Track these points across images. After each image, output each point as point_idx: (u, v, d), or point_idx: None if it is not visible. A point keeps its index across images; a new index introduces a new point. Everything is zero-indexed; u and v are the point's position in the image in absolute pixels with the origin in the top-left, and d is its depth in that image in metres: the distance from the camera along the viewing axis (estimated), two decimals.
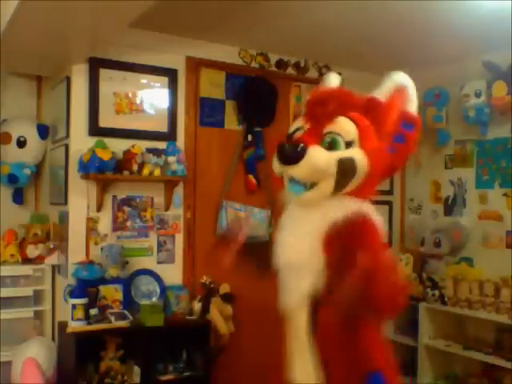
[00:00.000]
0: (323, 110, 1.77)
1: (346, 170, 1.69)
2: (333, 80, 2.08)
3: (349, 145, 1.72)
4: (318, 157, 1.67)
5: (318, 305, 1.74)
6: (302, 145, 1.67)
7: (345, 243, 1.63)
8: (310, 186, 1.72)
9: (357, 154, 1.71)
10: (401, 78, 1.88)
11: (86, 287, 3.15)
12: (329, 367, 1.75)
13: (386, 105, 1.81)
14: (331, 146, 1.71)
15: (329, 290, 1.64)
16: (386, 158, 1.77)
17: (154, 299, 3.48)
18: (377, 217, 1.73)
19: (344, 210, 1.70)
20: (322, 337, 1.75)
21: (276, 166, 1.76)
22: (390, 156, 1.79)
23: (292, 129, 1.83)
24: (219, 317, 3.54)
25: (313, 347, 1.75)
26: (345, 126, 1.74)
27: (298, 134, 1.78)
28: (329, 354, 1.75)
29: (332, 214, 1.71)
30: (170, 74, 3.64)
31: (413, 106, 1.87)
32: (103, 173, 3.24)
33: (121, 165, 3.34)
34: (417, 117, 1.87)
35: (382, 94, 1.83)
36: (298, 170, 1.69)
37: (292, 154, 1.68)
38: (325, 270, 1.69)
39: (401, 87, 1.85)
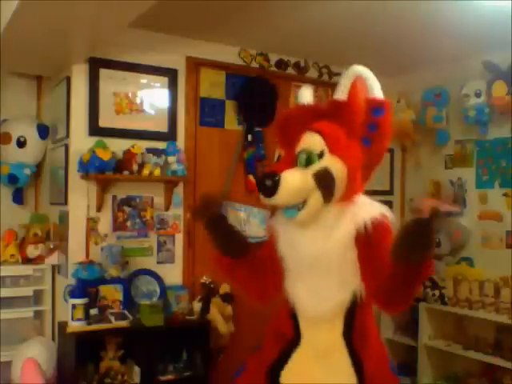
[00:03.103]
0: (287, 134, 1.84)
1: (324, 179, 1.74)
2: (305, 94, 2.06)
3: (321, 156, 1.76)
4: (292, 180, 1.73)
5: (354, 308, 1.82)
6: (274, 175, 1.72)
7: (371, 241, 1.75)
8: (301, 206, 1.76)
9: (328, 162, 1.76)
10: (355, 69, 1.85)
11: (86, 287, 3.15)
12: (363, 366, 1.82)
13: (348, 101, 1.82)
14: (308, 162, 1.76)
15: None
16: (359, 153, 1.80)
17: (154, 299, 3.47)
18: (390, 215, 1.83)
19: (366, 212, 1.79)
20: (359, 337, 1.84)
21: (261, 198, 1.78)
22: (366, 148, 1.82)
23: (276, 158, 1.91)
24: (219, 317, 3.54)
25: (348, 350, 1.82)
26: (310, 140, 1.79)
27: (274, 164, 1.86)
28: (364, 353, 1.84)
29: (356, 216, 1.78)
30: (170, 74, 3.64)
31: (376, 92, 1.85)
32: (103, 173, 3.24)
33: (121, 165, 3.34)
34: (383, 100, 1.86)
35: (342, 91, 1.83)
36: (280, 199, 1.73)
37: (268, 186, 1.72)
38: (358, 268, 1.78)
39: (358, 77, 1.83)
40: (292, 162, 1.78)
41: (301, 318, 1.89)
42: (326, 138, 1.77)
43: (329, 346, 1.83)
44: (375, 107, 1.83)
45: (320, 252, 1.78)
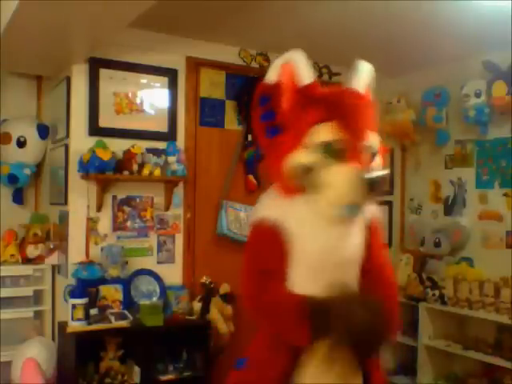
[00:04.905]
0: (364, 123, 1.65)
1: None
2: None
3: (374, 155, 1.70)
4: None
5: None
6: (384, 173, 1.60)
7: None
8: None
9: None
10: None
11: (86, 287, 3.15)
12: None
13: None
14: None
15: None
16: None
17: (154, 299, 3.48)
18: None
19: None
20: None
21: (354, 194, 1.56)
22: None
23: (329, 139, 1.59)
24: (219, 317, 3.54)
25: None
26: (375, 139, 1.69)
27: (360, 157, 1.60)
28: None
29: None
30: (170, 74, 3.65)
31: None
32: (103, 173, 3.24)
33: (121, 165, 3.34)
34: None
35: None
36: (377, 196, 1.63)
37: (377, 185, 1.58)
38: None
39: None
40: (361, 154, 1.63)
41: None
42: (379, 140, 1.70)
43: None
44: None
45: (356, 248, 1.72)
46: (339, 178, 1.57)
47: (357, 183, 1.53)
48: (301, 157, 1.61)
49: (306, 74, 1.70)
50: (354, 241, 1.70)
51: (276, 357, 1.72)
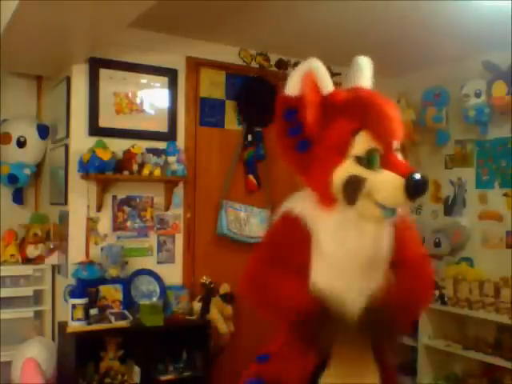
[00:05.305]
0: (400, 132, 1.68)
1: None
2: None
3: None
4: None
5: None
6: (426, 178, 1.62)
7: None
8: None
9: None
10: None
11: (86, 287, 3.15)
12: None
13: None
14: None
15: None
16: None
17: (154, 299, 3.48)
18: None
19: None
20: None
21: (399, 199, 1.60)
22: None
23: (364, 150, 1.62)
24: (219, 317, 3.54)
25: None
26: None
27: (399, 160, 1.65)
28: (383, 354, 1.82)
29: None
30: (170, 74, 3.65)
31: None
32: (103, 173, 3.24)
33: (121, 165, 3.34)
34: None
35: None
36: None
37: (425, 188, 1.62)
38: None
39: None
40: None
41: None
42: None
43: (362, 349, 1.76)
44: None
45: (384, 248, 1.73)
46: (388, 180, 1.59)
47: (404, 186, 1.56)
48: (347, 169, 1.62)
49: (327, 82, 1.70)
50: (383, 243, 1.72)
51: (299, 357, 1.74)
